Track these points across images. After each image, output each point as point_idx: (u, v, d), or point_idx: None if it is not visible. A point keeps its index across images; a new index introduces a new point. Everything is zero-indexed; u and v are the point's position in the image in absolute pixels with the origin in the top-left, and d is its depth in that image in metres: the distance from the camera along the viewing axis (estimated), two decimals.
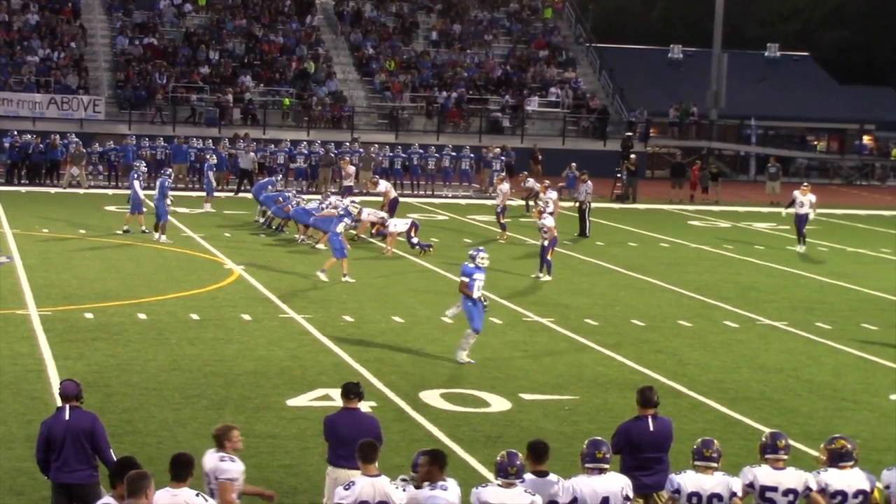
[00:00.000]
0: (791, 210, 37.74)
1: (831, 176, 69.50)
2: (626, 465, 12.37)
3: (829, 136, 76.46)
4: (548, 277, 29.32)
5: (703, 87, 66.39)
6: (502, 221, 37.35)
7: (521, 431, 16.81)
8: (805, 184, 38.93)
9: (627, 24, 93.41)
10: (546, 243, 29.86)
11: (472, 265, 20.97)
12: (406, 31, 66.31)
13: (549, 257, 29.74)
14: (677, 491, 11.19)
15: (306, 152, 49.70)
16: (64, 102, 55.49)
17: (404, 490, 10.83)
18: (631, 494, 11.09)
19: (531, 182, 44.14)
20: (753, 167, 67.27)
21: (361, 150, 50.14)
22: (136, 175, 35.11)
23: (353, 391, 12.81)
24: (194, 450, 15.40)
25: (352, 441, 12.26)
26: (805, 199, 36.79)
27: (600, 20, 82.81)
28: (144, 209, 34.81)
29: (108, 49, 61.44)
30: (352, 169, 42.36)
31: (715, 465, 11.25)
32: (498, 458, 10.78)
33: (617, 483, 11.07)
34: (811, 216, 37.26)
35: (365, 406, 17.96)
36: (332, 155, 49.09)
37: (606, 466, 11.10)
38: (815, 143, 75.67)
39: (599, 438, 11.34)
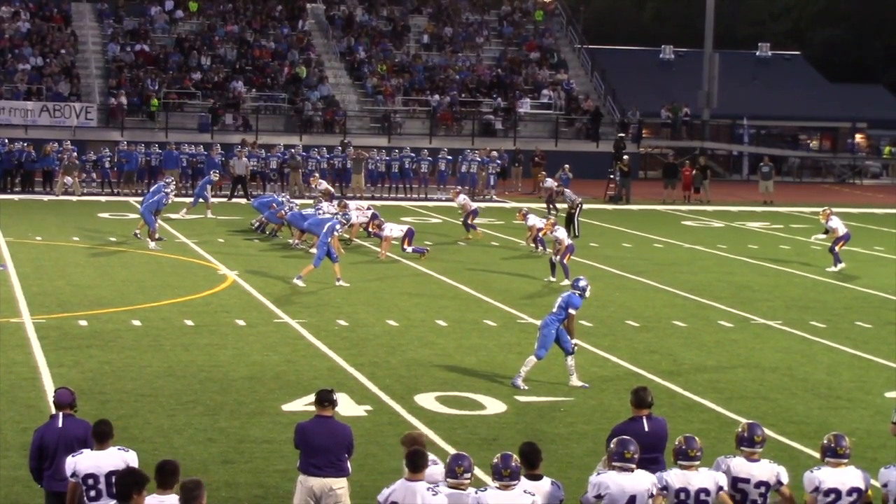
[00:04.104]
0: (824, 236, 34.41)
1: (824, 175, 69.59)
2: None
3: (821, 134, 76.57)
4: (566, 281, 28.52)
5: (694, 87, 66.46)
6: (469, 223, 37.53)
7: (516, 434, 16.82)
8: (824, 208, 35.07)
9: (618, 25, 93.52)
10: (558, 257, 29.84)
11: (578, 296, 20.12)
12: (397, 35, 66.35)
13: (565, 262, 29.67)
14: (665, 488, 11.22)
15: (300, 157, 49.66)
16: (56, 110, 55.50)
17: (434, 494, 10.77)
18: (655, 492, 11.10)
19: (549, 182, 44.05)
20: (746, 167, 67.34)
21: (344, 154, 50.15)
22: (163, 186, 35.50)
23: (326, 398, 12.61)
24: (189, 455, 15.50)
25: (324, 450, 12.24)
26: (828, 224, 33.36)
27: (591, 21, 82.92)
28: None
29: (99, 56, 61.43)
30: (323, 184, 41.63)
31: (698, 462, 11.31)
32: (493, 461, 10.80)
33: (645, 482, 11.06)
34: (828, 238, 33.79)
35: (360, 410, 18.05)
36: (299, 158, 49.03)
37: (634, 466, 11.08)
38: (808, 141, 75.75)
39: (627, 438, 11.29)
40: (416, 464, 10.93)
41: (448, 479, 10.85)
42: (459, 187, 44.32)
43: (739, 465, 11.42)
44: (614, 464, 11.09)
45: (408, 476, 10.93)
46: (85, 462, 11.35)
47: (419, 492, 10.74)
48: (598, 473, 11.12)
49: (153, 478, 10.49)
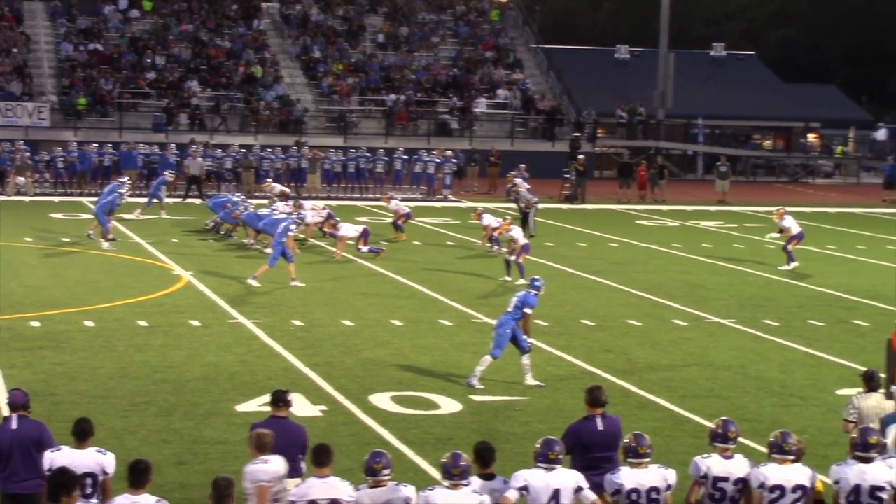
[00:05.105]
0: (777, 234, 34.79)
1: (777, 174, 69.98)
2: (576, 465, 12.43)
3: (774, 134, 76.96)
4: (521, 281, 28.31)
5: (650, 86, 66.64)
6: (399, 224, 37.55)
7: (471, 433, 16.84)
8: (778, 207, 35.50)
9: (574, 24, 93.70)
10: (513, 256, 29.87)
11: (534, 296, 20.30)
12: (353, 35, 66.26)
13: (521, 261, 29.76)
14: (618, 491, 11.31)
15: (254, 157, 49.54)
16: (8, 109, 55.08)
17: (357, 489, 10.94)
18: (585, 485, 11.20)
19: (519, 181, 43.94)
20: (701, 166, 67.62)
21: (299, 154, 50.07)
22: (118, 186, 35.24)
23: (281, 399, 12.71)
24: (143, 457, 15.38)
25: (278, 450, 12.25)
26: (782, 223, 33.63)
27: (547, 21, 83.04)
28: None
29: (52, 55, 61.02)
30: (277, 187, 41.09)
31: (648, 460, 11.40)
32: (443, 460, 10.86)
33: (569, 478, 11.23)
34: (782, 237, 34.05)
35: (315, 410, 18.03)
36: (251, 157, 48.98)
37: (558, 467, 11.23)
38: (761, 141, 76.17)
39: (553, 438, 11.44)
40: (322, 459, 11.08)
41: (368, 478, 10.95)
42: (391, 193, 43.99)
43: (718, 465, 11.54)
44: (539, 464, 11.18)
45: (316, 472, 11.05)
46: (61, 459, 11.32)
47: (335, 485, 10.89)
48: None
49: (121, 478, 10.49)
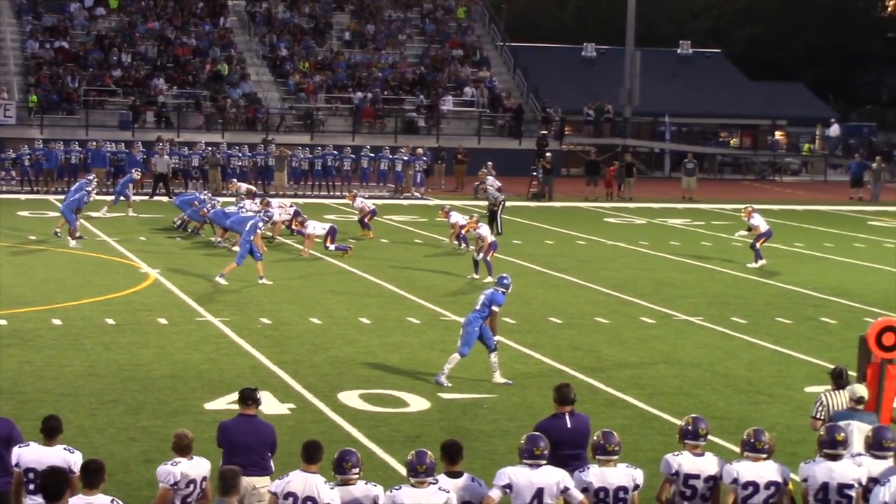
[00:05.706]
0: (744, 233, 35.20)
1: (744, 172, 70.23)
2: None
3: (741, 132, 77.25)
4: (489, 278, 28.10)
5: (616, 84, 66.77)
6: (366, 222, 37.50)
7: (440, 431, 16.84)
8: (746, 206, 35.36)
9: (541, 22, 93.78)
10: (481, 254, 29.83)
11: (502, 294, 20.30)
12: (319, 32, 66.15)
13: (488, 259, 29.74)
14: (586, 489, 11.31)
15: (221, 155, 49.41)
16: None
17: (331, 488, 10.95)
18: (570, 485, 11.15)
19: (491, 179, 43.93)
20: (668, 164, 67.79)
21: (266, 152, 49.96)
22: (86, 184, 35.02)
23: (249, 397, 12.68)
24: (111, 455, 15.34)
25: (246, 449, 12.25)
26: (750, 221, 33.62)
27: (514, 19, 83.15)
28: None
29: (18, 53, 60.68)
30: (244, 187, 40.79)
31: (616, 457, 11.42)
32: (408, 458, 10.86)
33: (554, 476, 11.16)
34: (750, 235, 34.19)
35: (283, 408, 17.99)
36: (218, 155, 48.92)
37: (543, 462, 11.20)
38: (728, 139, 76.42)
39: (538, 434, 11.42)
40: (312, 455, 11.13)
41: (337, 476, 10.99)
42: (356, 191, 43.92)
43: (689, 463, 11.56)
44: (524, 460, 11.17)
45: (303, 467, 11.11)
46: (28, 455, 11.35)
47: (317, 483, 10.92)
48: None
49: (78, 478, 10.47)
